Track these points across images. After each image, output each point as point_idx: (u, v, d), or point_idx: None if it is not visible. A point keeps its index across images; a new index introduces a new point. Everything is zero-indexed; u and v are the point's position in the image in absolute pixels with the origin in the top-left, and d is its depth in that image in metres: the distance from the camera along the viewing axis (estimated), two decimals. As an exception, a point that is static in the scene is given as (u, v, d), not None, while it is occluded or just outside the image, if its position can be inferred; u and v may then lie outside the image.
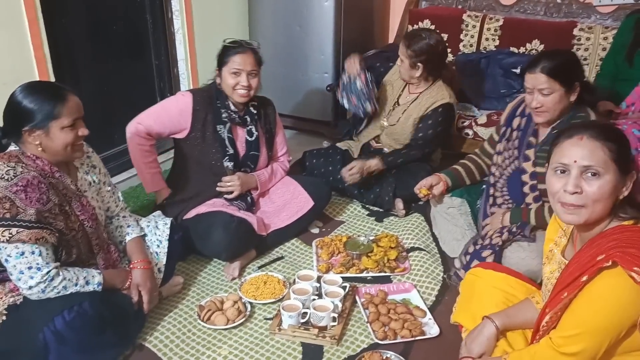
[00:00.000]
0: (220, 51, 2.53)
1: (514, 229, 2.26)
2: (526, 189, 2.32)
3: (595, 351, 1.37)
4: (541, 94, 2.14)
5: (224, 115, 2.56)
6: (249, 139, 2.66)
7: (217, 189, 2.60)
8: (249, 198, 2.67)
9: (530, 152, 2.29)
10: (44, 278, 1.71)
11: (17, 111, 1.75)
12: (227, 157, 2.56)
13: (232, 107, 2.57)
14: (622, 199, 1.42)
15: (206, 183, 2.59)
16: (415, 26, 3.96)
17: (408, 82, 3.04)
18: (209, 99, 2.54)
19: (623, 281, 1.30)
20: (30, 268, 1.70)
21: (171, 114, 2.52)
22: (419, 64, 2.91)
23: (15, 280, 1.72)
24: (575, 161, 1.40)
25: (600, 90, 2.37)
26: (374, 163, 2.95)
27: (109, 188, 2.12)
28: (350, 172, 2.90)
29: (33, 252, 1.70)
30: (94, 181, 2.02)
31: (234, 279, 2.43)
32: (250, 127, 2.65)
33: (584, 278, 1.36)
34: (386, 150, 3.12)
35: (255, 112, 2.67)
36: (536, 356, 1.48)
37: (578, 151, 1.40)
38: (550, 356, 1.43)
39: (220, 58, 2.52)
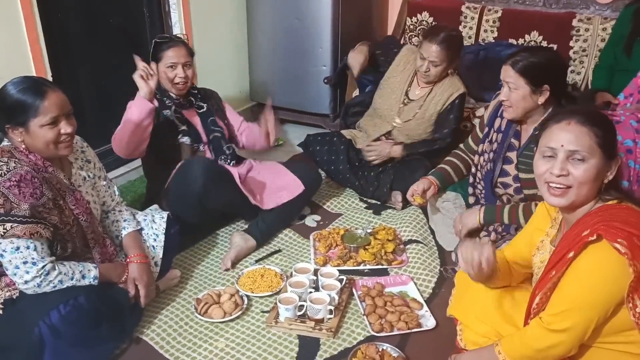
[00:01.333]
0: (152, 48, 2.59)
1: (500, 229, 2.26)
2: (509, 190, 2.29)
3: (585, 327, 1.39)
4: (508, 87, 2.14)
5: (167, 102, 2.62)
6: (199, 111, 2.72)
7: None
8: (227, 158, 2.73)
9: (513, 155, 2.26)
10: (40, 272, 1.72)
11: (0, 108, 1.75)
12: (180, 134, 2.62)
13: (174, 96, 2.64)
14: (607, 183, 1.47)
15: (174, 165, 2.60)
16: (414, 18, 3.94)
17: (422, 77, 2.95)
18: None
19: (608, 254, 1.33)
20: (25, 263, 1.70)
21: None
22: (446, 59, 2.85)
23: (11, 275, 1.73)
24: (562, 145, 1.44)
25: (583, 99, 2.31)
26: (397, 151, 2.98)
27: (105, 182, 2.12)
28: (370, 155, 2.99)
29: (28, 247, 1.70)
30: (89, 176, 2.02)
31: (227, 269, 2.45)
32: (197, 104, 2.72)
33: (571, 254, 1.40)
34: None
35: (198, 95, 2.75)
36: (526, 337, 1.50)
37: (565, 136, 1.44)
38: (540, 335, 1.45)
39: (153, 55, 2.58)
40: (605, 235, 1.34)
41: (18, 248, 1.69)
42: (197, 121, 2.71)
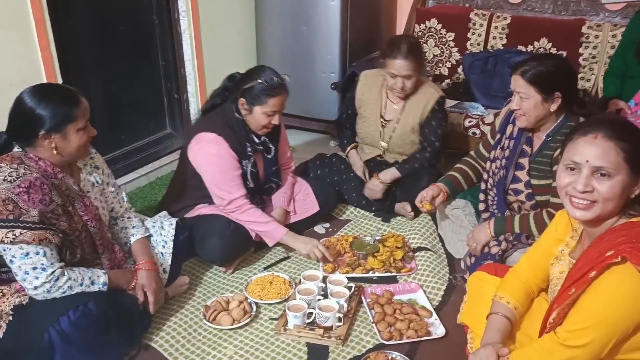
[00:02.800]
0: (252, 86, 2.36)
1: (511, 238, 2.25)
2: (521, 197, 2.28)
3: (602, 345, 1.35)
4: (519, 97, 2.13)
5: (249, 150, 2.48)
6: (268, 156, 2.60)
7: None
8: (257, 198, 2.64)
9: (524, 161, 2.24)
10: (49, 278, 1.72)
11: (30, 117, 1.74)
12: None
13: (255, 140, 2.50)
14: (633, 198, 1.41)
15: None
16: (422, 25, 3.94)
17: (399, 94, 2.87)
18: (234, 136, 2.43)
19: (632, 275, 1.29)
20: (35, 268, 1.71)
21: (231, 165, 2.42)
22: (416, 68, 2.78)
23: (21, 280, 1.73)
24: (587, 160, 1.39)
25: (594, 104, 2.28)
26: (389, 177, 2.92)
27: (113, 189, 2.12)
28: (371, 193, 2.93)
29: (37, 253, 1.70)
30: (97, 182, 2.03)
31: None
32: (268, 146, 2.59)
33: (592, 274, 1.35)
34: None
35: (272, 132, 2.57)
36: (540, 351, 1.46)
37: (591, 150, 1.38)
38: (555, 350, 1.41)
39: (251, 93, 2.37)
40: (630, 258, 1.30)
41: (27, 254, 1.70)
42: (260, 166, 2.59)
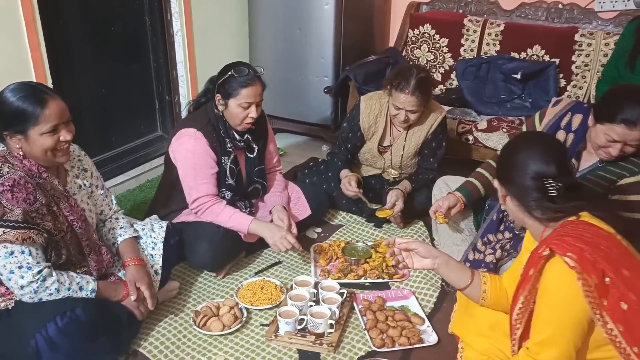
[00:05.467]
0: (224, 79, 2.36)
1: (507, 247, 2.23)
2: None
3: (570, 350, 1.37)
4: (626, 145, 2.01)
5: (228, 146, 2.46)
6: (250, 155, 2.58)
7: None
8: (245, 202, 2.62)
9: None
10: (36, 277, 1.69)
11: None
12: (224, 188, 2.47)
13: (236, 136, 2.48)
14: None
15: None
16: (416, 30, 3.93)
17: (401, 125, 2.82)
18: (214, 133, 2.42)
19: (563, 269, 1.34)
20: (20, 267, 1.68)
21: (206, 163, 2.39)
22: (423, 103, 2.70)
23: (6, 280, 1.70)
24: None
25: None
26: (406, 188, 2.83)
27: (102, 192, 2.09)
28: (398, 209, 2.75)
29: (22, 252, 1.68)
30: (85, 185, 1.99)
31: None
32: (250, 145, 2.57)
33: (531, 272, 1.41)
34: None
35: (254, 127, 2.51)
36: None
37: None
38: None
39: (224, 86, 2.36)
40: (556, 249, 1.36)
41: (12, 253, 1.67)
42: (242, 164, 2.56)
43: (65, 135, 1.77)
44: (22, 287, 1.69)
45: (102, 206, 2.10)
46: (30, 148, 1.74)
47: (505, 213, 2.27)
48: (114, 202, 2.16)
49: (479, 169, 2.52)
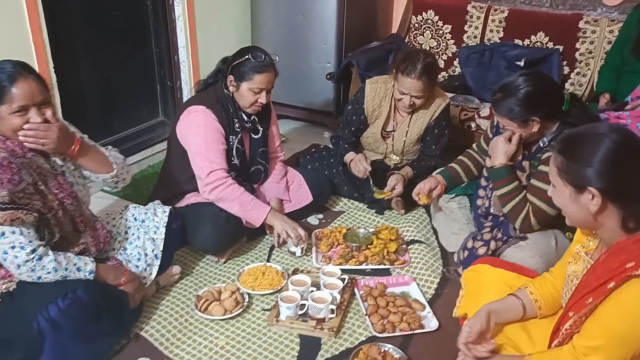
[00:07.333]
0: (240, 62, 2.38)
1: (499, 235, 2.24)
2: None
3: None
4: (501, 124, 2.16)
5: (236, 126, 2.48)
6: (255, 136, 2.60)
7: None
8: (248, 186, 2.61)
9: (526, 164, 2.20)
10: (31, 257, 1.68)
11: None
12: (229, 168, 2.46)
13: (244, 117, 2.50)
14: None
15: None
16: (419, 17, 3.91)
17: (405, 109, 2.82)
18: (223, 111, 2.44)
19: None
20: (13, 247, 1.67)
21: (217, 138, 2.40)
22: (428, 88, 2.71)
23: (2, 261, 1.70)
24: None
25: (584, 112, 2.20)
26: (407, 174, 2.85)
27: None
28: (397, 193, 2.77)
29: (14, 232, 1.67)
30: (69, 167, 1.94)
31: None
32: (256, 127, 2.59)
33: (611, 285, 1.31)
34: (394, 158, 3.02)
35: (260, 112, 2.57)
36: None
37: None
38: None
39: (239, 69, 2.38)
40: None
41: (3, 234, 1.66)
42: (247, 144, 2.58)
43: (35, 118, 1.72)
44: (18, 266, 1.69)
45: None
46: (2, 126, 1.71)
47: (486, 205, 2.32)
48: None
49: (460, 156, 2.59)
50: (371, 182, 2.83)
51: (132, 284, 1.98)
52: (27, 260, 1.68)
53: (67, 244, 1.85)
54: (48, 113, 1.77)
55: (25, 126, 1.72)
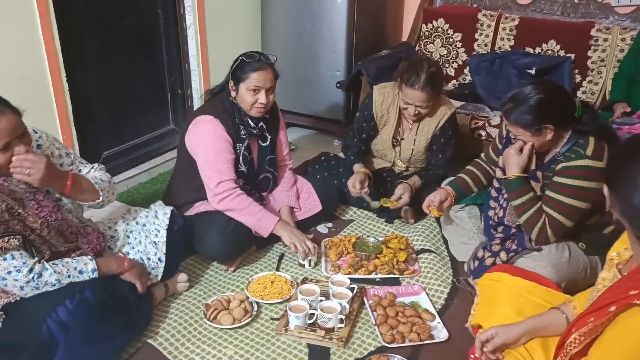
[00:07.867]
0: (236, 64, 2.42)
1: (513, 247, 2.21)
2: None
3: None
4: (513, 134, 2.13)
5: (242, 133, 2.47)
6: (263, 144, 2.60)
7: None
8: (257, 194, 2.62)
9: (539, 174, 2.16)
10: (30, 277, 1.68)
11: None
12: (237, 176, 2.46)
13: (250, 123, 2.49)
14: None
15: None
16: (430, 25, 3.91)
17: (411, 118, 2.81)
18: (230, 120, 2.44)
19: None
20: (10, 272, 1.67)
21: (226, 148, 2.41)
22: (433, 97, 2.69)
23: (3, 287, 1.71)
24: None
25: (596, 119, 2.17)
26: (415, 183, 2.84)
27: (71, 167, 1.99)
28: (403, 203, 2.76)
29: (5, 259, 1.66)
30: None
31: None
32: (264, 134, 2.59)
33: (612, 308, 1.27)
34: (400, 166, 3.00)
35: (267, 116, 2.58)
36: None
37: None
38: None
39: (236, 72, 2.41)
40: None
41: None
42: (255, 152, 2.58)
43: (19, 150, 1.68)
44: (21, 288, 1.69)
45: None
46: None
47: (501, 204, 2.29)
48: (85, 163, 2.06)
49: (469, 166, 2.56)
50: (369, 201, 2.82)
51: (135, 270, 1.99)
52: (28, 281, 1.69)
53: (61, 257, 1.82)
54: (29, 143, 1.72)
55: (14, 159, 1.68)
